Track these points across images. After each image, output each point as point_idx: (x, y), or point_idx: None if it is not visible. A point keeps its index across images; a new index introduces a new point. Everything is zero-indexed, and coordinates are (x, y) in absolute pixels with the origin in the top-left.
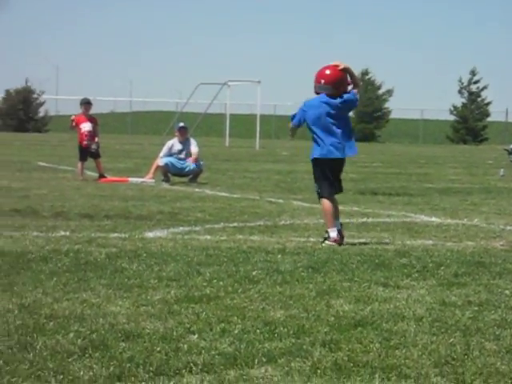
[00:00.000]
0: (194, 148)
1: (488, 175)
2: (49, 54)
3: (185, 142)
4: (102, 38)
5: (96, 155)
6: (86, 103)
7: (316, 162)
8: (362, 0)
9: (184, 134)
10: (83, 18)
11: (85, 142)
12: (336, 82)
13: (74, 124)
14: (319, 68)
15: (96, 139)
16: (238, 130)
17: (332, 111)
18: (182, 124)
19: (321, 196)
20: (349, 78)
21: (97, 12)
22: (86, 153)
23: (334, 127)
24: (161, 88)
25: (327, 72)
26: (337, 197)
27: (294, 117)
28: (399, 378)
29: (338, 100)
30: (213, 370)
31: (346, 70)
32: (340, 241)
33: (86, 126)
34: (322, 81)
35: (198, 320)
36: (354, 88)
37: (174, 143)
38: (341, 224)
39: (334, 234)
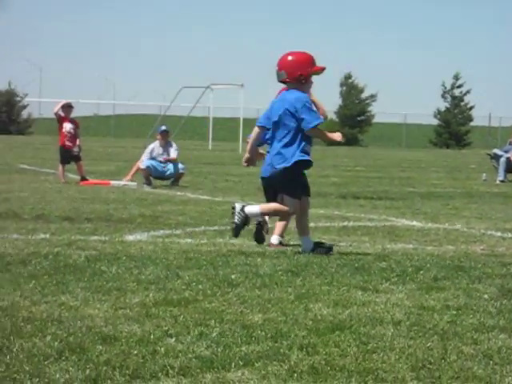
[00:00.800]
0: (173, 152)
1: (470, 180)
2: (32, 56)
3: (166, 146)
4: (86, 41)
5: (77, 158)
6: (68, 106)
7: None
8: (344, 4)
9: (165, 138)
10: (67, 21)
11: (66, 142)
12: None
13: (58, 114)
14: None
15: (77, 142)
16: (222, 134)
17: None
18: (163, 127)
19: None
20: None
21: (81, 14)
22: (67, 155)
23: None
24: (144, 91)
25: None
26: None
27: None
28: (376, 381)
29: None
30: (189, 374)
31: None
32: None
33: (68, 127)
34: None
35: (175, 323)
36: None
37: (155, 147)
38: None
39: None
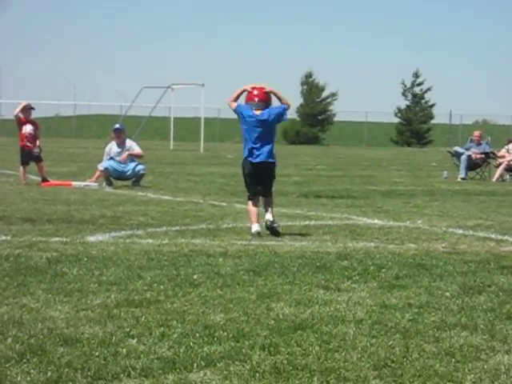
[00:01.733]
0: (136, 148)
1: (432, 177)
2: None
3: (122, 144)
4: (46, 41)
5: (38, 159)
6: (28, 109)
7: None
8: (303, 1)
9: (120, 136)
10: (27, 20)
11: (26, 144)
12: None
13: (18, 116)
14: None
15: (37, 143)
16: (183, 134)
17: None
18: (117, 126)
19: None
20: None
21: (40, 13)
22: (28, 156)
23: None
24: (105, 91)
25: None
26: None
27: None
28: (338, 380)
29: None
30: (151, 375)
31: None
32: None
33: (28, 128)
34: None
35: (137, 324)
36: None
37: (112, 146)
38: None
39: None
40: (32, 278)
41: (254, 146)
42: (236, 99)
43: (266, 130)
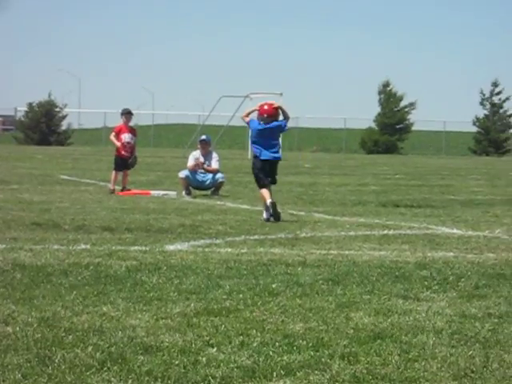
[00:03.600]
0: (214, 163)
1: (510, 187)
2: (71, 67)
3: (207, 155)
4: (124, 51)
5: (129, 167)
6: (127, 113)
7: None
8: (384, 13)
9: (206, 147)
10: (104, 31)
11: (123, 153)
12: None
13: (114, 137)
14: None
15: (135, 151)
16: None
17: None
18: (203, 137)
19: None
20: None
21: (118, 25)
22: (123, 164)
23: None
24: (183, 101)
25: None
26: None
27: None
28: None
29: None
30: (231, 383)
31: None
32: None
33: (127, 137)
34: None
35: (216, 333)
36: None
37: (198, 157)
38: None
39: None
40: (112, 286)
41: (263, 148)
42: (248, 115)
43: (270, 137)
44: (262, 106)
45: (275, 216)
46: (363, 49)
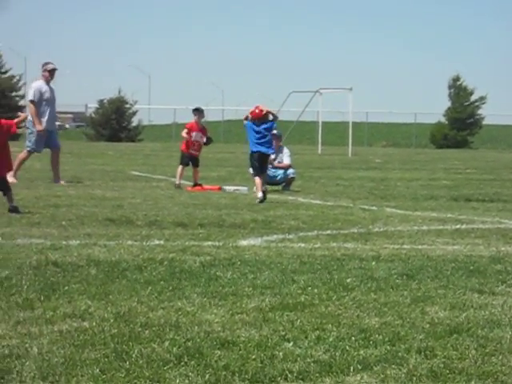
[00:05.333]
0: (286, 159)
1: None
2: (141, 63)
3: (278, 151)
4: (193, 47)
5: (196, 163)
6: (198, 111)
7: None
8: (453, 8)
9: (277, 142)
10: (175, 28)
11: (190, 151)
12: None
13: (186, 133)
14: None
15: (200, 151)
16: (331, 138)
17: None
18: (274, 132)
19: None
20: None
21: (188, 21)
22: (189, 159)
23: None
24: (252, 97)
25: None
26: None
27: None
28: None
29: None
30: (308, 378)
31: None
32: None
33: (196, 136)
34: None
35: (292, 328)
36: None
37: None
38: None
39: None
40: (187, 281)
41: (257, 144)
42: (246, 118)
43: (262, 136)
44: (253, 110)
45: (264, 198)
46: (433, 43)
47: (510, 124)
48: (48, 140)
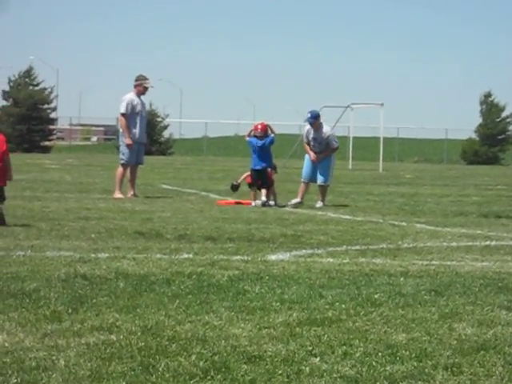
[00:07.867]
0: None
1: None
2: (173, 77)
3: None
4: (225, 62)
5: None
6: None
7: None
8: (483, 26)
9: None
10: (207, 43)
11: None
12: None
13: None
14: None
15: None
16: (361, 153)
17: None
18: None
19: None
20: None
21: (220, 36)
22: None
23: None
24: (284, 111)
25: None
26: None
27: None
28: None
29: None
30: None
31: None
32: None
33: None
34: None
35: (319, 343)
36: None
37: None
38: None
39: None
40: (214, 295)
41: (258, 159)
42: (249, 135)
43: (262, 151)
44: (256, 125)
45: (263, 205)
46: (465, 59)
47: None
48: (138, 152)
